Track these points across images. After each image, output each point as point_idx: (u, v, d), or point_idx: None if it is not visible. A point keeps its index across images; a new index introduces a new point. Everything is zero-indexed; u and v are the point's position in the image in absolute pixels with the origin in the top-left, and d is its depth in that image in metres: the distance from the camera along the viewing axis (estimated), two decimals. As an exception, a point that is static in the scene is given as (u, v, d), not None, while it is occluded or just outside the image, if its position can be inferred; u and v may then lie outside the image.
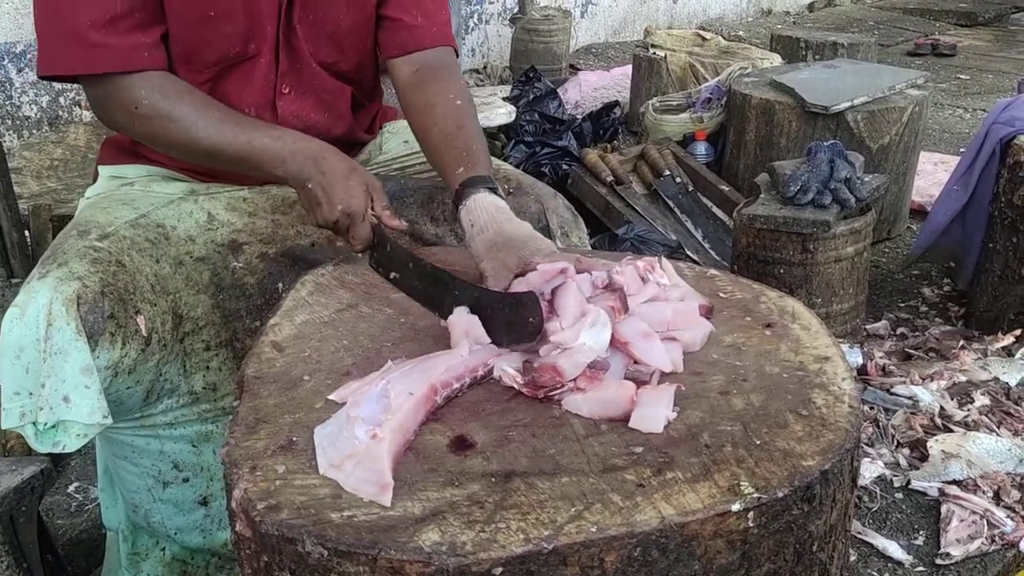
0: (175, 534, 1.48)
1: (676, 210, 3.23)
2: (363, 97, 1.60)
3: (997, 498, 1.95)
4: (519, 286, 1.16)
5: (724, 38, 4.99)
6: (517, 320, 1.08)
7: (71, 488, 2.07)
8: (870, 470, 2.06)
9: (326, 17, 1.45)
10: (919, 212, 3.51)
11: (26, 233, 2.51)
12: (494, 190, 1.33)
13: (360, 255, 1.35)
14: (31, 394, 1.20)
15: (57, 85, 3.63)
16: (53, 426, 1.20)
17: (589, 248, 1.63)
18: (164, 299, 1.34)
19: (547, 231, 1.52)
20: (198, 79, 1.41)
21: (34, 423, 1.20)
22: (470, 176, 1.35)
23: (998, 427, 2.18)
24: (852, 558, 1.83)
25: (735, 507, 0.84)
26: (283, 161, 1.32)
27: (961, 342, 2.59)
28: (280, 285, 1.44)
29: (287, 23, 1.42)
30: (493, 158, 1.67)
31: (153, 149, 1.45)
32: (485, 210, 1.30)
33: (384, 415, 0.93)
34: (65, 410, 1.19)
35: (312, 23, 1.44)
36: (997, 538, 1.86)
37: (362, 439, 0.90)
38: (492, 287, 1.18)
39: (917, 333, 2.72)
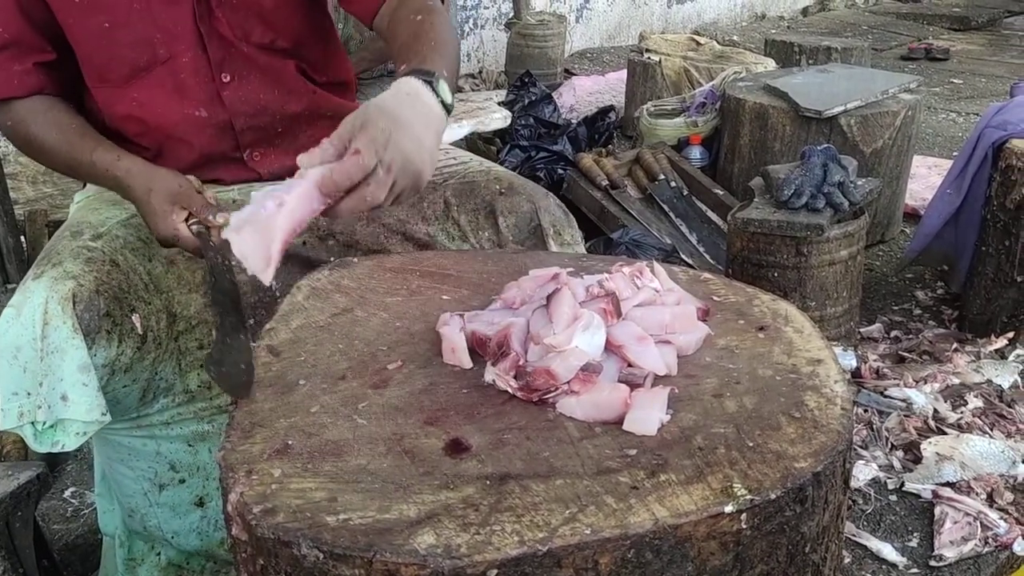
0: (172, 538, 1.48)
1: (671, 214, 3.24)
2: (314, 71, 1.52)
3: (990, 500, 1.96)
4: (511, 290, 1.16)
5: (718, 43, 5.01)
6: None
7: (67, 493, 2.07)
8: (864, 472, 2.06)
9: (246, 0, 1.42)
10: (912, 216, 3.53)
11: (22, 239, 2.52)
12: (428, 82, 1.10)
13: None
14: (29, 394, 1.21)
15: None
16: (52, 426, 1.21)
17: (583, 248, 1.64)
18: (158, 297, 1.35)
19: (539, 230, 1.53)
20: (123, 99, 1.41)
21: (33, 423, 1.21)
22: (412, 67, 1.14)
23: (991, 429, 2.19)
24: (846, 560, 1.84)
25: (728, 509, 0.84)
26: (108, 184, 1.38)
27: (954, 345, 2.60)
28: (273, 283, 1.44)
29: (207, 13, 1.39)
30: (485, 160, 1.67)
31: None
32: (402, 87, 1.10)
33: (290, 189, 0.95)
34: (63, 408, 1.20)
35: (233, 7, 1.41)
36: (990, 540, 1.87)
37: (268, 207, 0.93)
38: (331, 142, 1.03)
39: (910, 336, 2.73)
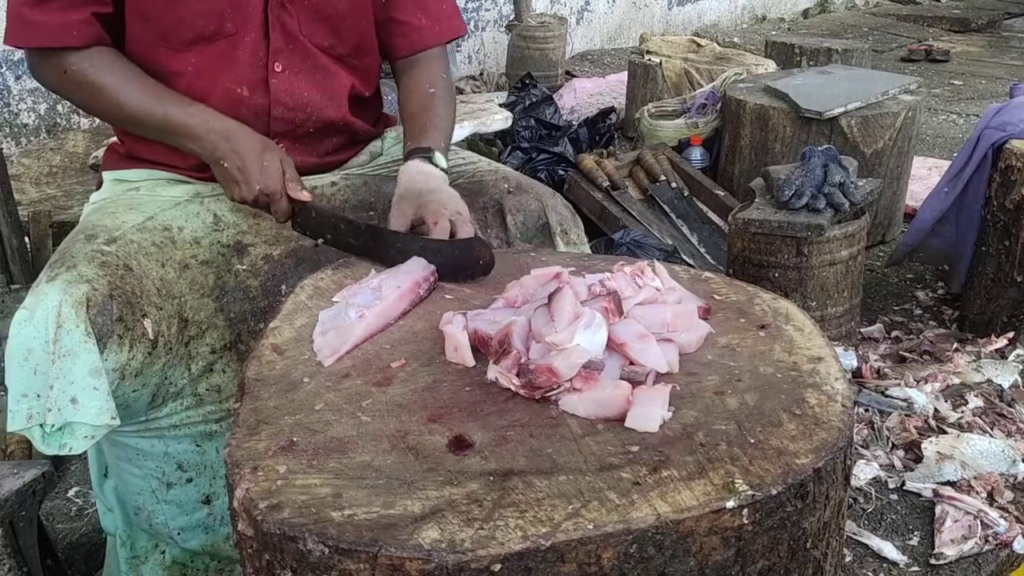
0: (178, 535, 1.49)
1: (672, 215, 3.25)
2: (363, 86, 1.61)
3: (991, 499, 1.97)
4: (513, 289, 1.18)
5: (719, 44, 5.02)
6: (468, 261, 1.30)
7: (71, 492, 2.08)
8: (865, 471, 2.07)
9: (322, 1, 1.48)
10: (913, 216, 3.53)
11: (26, 240, 2.52)
12: (429, 158, 1.45)
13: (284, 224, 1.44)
14: (39, 396, 1.21)
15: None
16: (60, 428, 1.21)
17: (588, 248, 1.65)
18: (170, 303, 1.35)
19: (547, 228, 1.54)
20: (178, 59, 1.44)
21: (41, 425, 1.21)
22: (412, 147, 1.48)
23: (991, 429, 2.20)
24: (847, 558, 1.84)
25: (730, 504, 0.85)
26: (197, 138, 1.40)
27: (955, 345, 2.61)
28: (283, 287, 1.45)
29: (278, 3, 1.45)
30: (493, 162, 1.70)
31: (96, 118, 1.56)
32: (408, 174, 1.43)
33: (375, 302, 1.18)
34: (73, 412, 1.20)
35: (307, 6, 1.47)
36: (991, 538, 1.87)
37: (351, 318, 1.14)
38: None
39: (911, 336, 2.73)
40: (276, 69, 1.48)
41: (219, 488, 1.47)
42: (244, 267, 1.45)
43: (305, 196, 1.40)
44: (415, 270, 1.28)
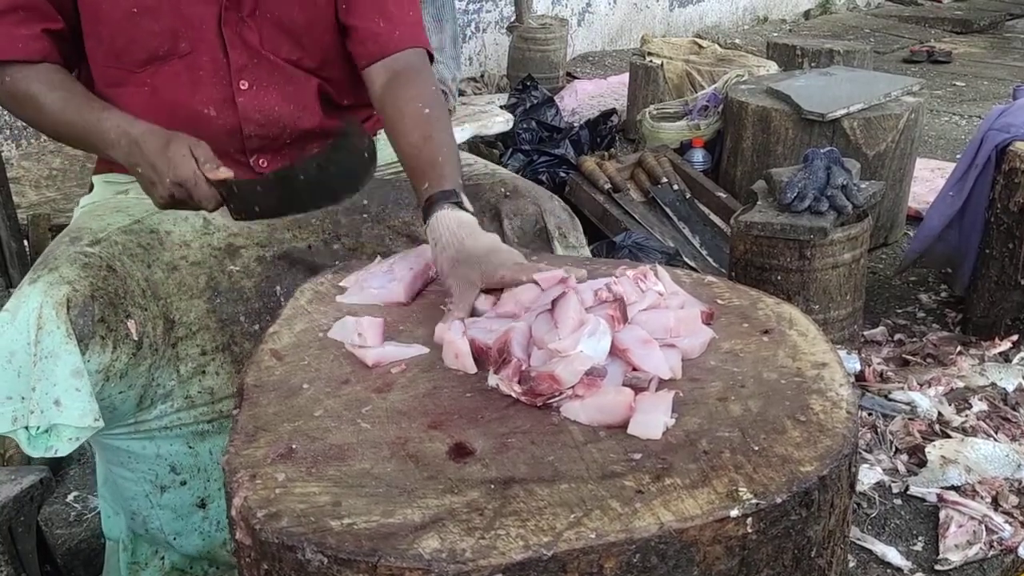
0: (174, 540, 1.48)
1: (673, 217, 3.24)
2: (339, 93, 1.56)
3: (995, 503, 1.95)
4: (507, 304, 1.16)
5: (720, 46, 5.01)
6: (349, 158, 1.27)
7: (70, 498, 2.07)
8: (869, 476, 2.06)
9: (279, 14, 1.45)
10: (916, 218, 3.52)
11: (25, 243, 2.52)
12: (459, 203, 1.30)
13: (229, 217, 1.36)
14: (23, 398, 1.20)
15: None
16: (46, 431, 1.20)
17: (588, 251, 1.64)
18: (155, 304, 1.34)
19: (544, 232, 1.53)
20: (134, 79, 1.43)
21: (27, 427, 1.20)
22: (434, 192, 1.31)
23: (996, 432, 2.19)
24: (851, 564, 1.83)
25: (733, 513, 0.84)
26: (113, 144, 1.36)
27: (958, 348, 2.60)
28: (278, 288, 1.44)
29: (237, 19, 1.43)
30: (490, 163, 1.68)
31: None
32: (447, 227, 1.27)
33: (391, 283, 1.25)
34: (56, 414, 1.19)
35: (266, 20, 1.45)
36: (995, 543, 1.86)
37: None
38: (458, 306, 1.19)
39: (914, 339, 2.72)
40: (242, 87, 1.46)
41: (214, 492, 1.46)
42: (237, 268, 1.44)
43: (223, 173, 1.30)
44: (424, 253, 1.30)
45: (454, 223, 1.27)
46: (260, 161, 1.51)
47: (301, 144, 1.54)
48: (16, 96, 1.40)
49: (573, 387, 0.99)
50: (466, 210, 1.31)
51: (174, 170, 1.29)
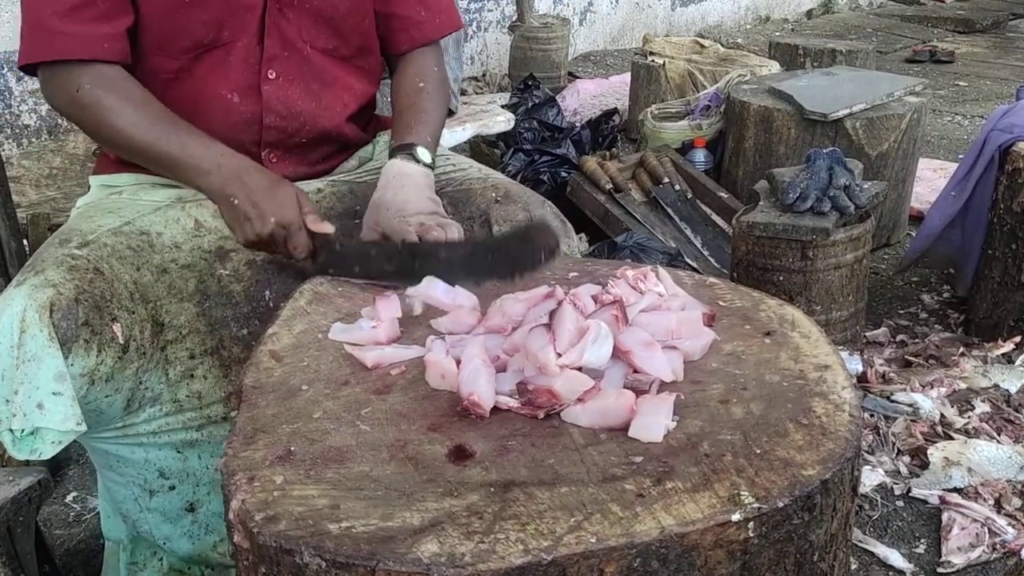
0: (164, 543, 1.47)
1: (675, 217, 3.23)
2: (370, 85, 1.61)
3: (998, 506, 1.95)
4: (494, 318, 1.14)
5: (722, 45, 5.00)
6: (527, 251, 1.22)
7: (69, 498, 2.07)
8: (871, 478, 2.05)
9: (320, 2, 1.47)
10: (918, 219, 3.50)
11: (24, 242, 2.51)
12: (412, 155, 1.43)
13: (304, 264, 1.36)
14: (7, 401, 1.20)
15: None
16: (31, 433, 1.20)
17: (580, 256, 1.63)
18: (143, 307, 1.33)
19: None
20: (171, 65, 1.43)
21: (11, 430, 1.20)
22: (397, 144, 1.47)
23: (998, 434, 2.18)
24: (853, 567, 1.82)
25: (735, 517, 0.83)
26: (207, 173, 1.34)
27: (961, 349, 2.58)
28: (267, 293, 1.43)
29: (276, 9, 1.44)
30: (485, 168, 1.68)
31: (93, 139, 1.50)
32: (385, 175, 1.42)
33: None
34: (39, 417, 1.19)
35: (307, 10, 1.46)
36: (998, 546, 1.85)
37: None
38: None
39: (917, 340, 2.71)
40: (269, 76, 1.47)
41: (203, 496, 1.45)
42: (227, 272, 1.42)
43: (327, 228, 1.34)
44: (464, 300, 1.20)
45: (392, 173, 1.42)
46: (271, 157, 1.52)
47: (314, 146, 1.55)
48: (85, 106, 1.36)
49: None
50: (419, 161, 1.43)
51: (281, 212, 1.32)
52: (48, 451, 1.21)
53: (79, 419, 1.21)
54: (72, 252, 1.29)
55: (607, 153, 3.73)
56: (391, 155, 1.46)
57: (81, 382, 1.23)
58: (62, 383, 1.20)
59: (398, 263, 1.28)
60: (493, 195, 1.53)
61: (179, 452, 1.42)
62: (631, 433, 0.94)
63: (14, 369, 1.19)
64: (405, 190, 1.39)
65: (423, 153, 1.45)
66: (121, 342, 1.27)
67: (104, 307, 1.26)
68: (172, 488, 1.44)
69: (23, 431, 1.19)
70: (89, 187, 1.58)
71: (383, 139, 1.68)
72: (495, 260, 1.21)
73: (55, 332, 1.20)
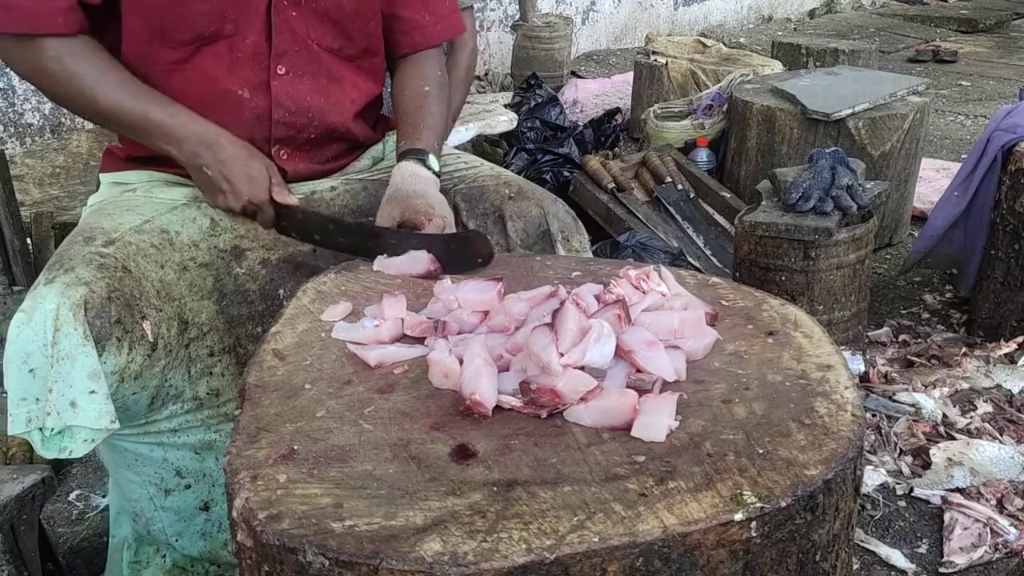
0: (176, 541, 1.48)
1: (677, 217, 3.23)
2: (374, 79, 1.62)
3: (1000, 506, 1.94)
4: (497, 316, 1.14)
5: (725, 45, 5.00)
6: (466, 254, 1.34)
7: (72, 496, 2.07)
8: (873, 478, 2.05)
9: (327, 2, 1.48)
10: (921, 218, 3.50)
11: (28, 241, 2.52)
12: (422, 161, 1.47)
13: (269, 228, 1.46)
14: (38, 399, 1.20)
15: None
16: (60, 432, 1.19)
17: (590, 254, 1.63)
18: (170, 305, 1.34)
19: (548, 235, 1.53)
20: (172, 56, 1.43)
21: (41, 429, 1.20)
22: (406, 148, 1.50)
23: (1001, 435, 2.18)
24: (855, 567, 1.82)
25: (738, 517, 0.83)
26: (177, 141, 1.39)
27: (963, 349, 2.58)
28: (281, 291, 1.44)
29: (286, 5, 1.45)
30: (496, 166, 1.69)
31: (66, 110, 1.53)
32: (399, 173, 1.46)
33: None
34: (72, 415, 1.19)
35: (313, 9, 1.47)
36: (1000, 546, 1.85)
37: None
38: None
39: (919, 340, 2.71)
40: (279, 72, 1.47)
41: (217, 495, 1.46)
42: (242, 270, 1.44)
43: (292, 200, 1.43)
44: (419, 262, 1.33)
45: (407, 172, 1.46)
46: (281, 153, 1.53)
47: (323, 143, 1.56)
48: (52, 73, 1.37)
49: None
50: (428, 167, 1.47)
51: (253, 189, 1.40)
52: (80, 449, 1.21)
53: (113, 417, 1.21)
54: (99, 250, 1.30)
55: (610, 152, 3.73)
56: (400, 158, 1.50)
57: (112, 380, 1.23)
58: (97, 381, 1.20)
59: (353, 240, 1.40)
60: (506, 191, 1.55)
61: (197, 453, 1.43)
62: (634, 433, 0.95)
63: (48, 367, 1.19)
64: (424, 186, 1.44)
65: (432, 162, 1.50)
66: (151, 340, 1.28)
67: (134, 305, 1.27)
68: (188, 487, 1.44)
69: (53, 430, 1.19)
70: (98, 184, 1.58)
71: (392, 139, 1.69)
72: (438, 255, 1.34)
73: (90, 330, 1.20)
